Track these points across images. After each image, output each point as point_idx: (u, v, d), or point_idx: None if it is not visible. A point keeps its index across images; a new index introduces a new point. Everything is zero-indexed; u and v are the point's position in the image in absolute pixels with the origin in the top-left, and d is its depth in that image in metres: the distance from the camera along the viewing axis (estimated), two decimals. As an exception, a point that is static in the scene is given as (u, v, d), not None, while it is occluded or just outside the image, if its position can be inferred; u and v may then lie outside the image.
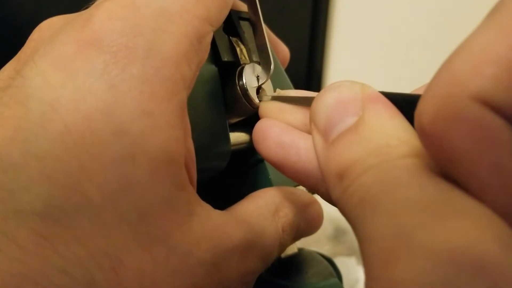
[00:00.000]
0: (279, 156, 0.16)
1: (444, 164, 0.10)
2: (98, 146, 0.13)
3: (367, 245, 0.10)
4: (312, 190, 0.17)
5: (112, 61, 0.13)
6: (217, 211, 0.16)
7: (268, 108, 0.18)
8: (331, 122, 0.14)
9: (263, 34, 0.21)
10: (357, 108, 0.14)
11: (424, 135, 0.10)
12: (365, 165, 0.12)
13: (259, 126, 0.18)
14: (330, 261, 0.25)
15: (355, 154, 0.13)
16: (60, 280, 0.12)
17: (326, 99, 0.15)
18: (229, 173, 0.24)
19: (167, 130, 0.14)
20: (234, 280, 0.15)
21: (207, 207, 0.16)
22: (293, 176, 0.17)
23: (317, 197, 0.23)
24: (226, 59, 0.22)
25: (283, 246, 0.19)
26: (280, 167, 0.17)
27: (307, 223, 0.20)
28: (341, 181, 0.13)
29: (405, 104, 0.14)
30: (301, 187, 0.25)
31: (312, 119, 0.15)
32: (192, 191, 0.15)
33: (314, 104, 0.15)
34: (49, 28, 0.17)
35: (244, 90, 0.22)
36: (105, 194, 0.13)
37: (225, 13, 0.17)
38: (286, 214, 0.19)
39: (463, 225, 0.09)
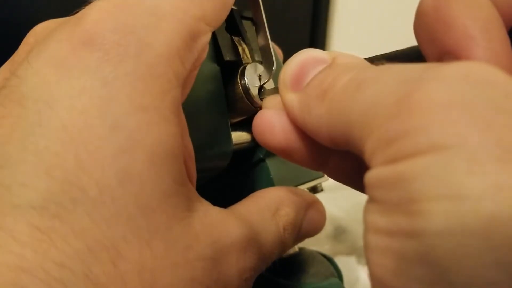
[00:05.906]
0: (290, 141, 0.17)
1: (443, 39, 0.13)
2: (95, 141, 0.13)
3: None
4: (320, 169, 0.18)
5: (105, 58, 0.13)
6: (217, 208, 0.16)
7: (270, 100, 0.19)
8: (303, 70, 0.16)
9: (266, 33, 0.21)
10: (326, 58, 0.16)
11: (428, 21, 0.14)
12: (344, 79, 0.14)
13: (263, 117, 0.18)
14: (330, 261, 0.25)
15: (331, 75, 0.15)
16: (58, 273, 0.12)
17: (297, 58, 0.17)
18: (231, 173, 0.24)
19: (163, 125, 0.14)
20: (233, 275, 0.15)
21: (206, 204, 0.16)
22: (303, 158, 0.17)
23: (319, 196, 0.23)
24: (228, 59, 0.22)
25: (285, 246, 0.19)
26: (290, 152, 0.17)
27: (309, 223, 0.20)
28: (323, 100, 0.14)
29: (402, 56, 0.16)
30: (302, 187, 0.25)
31: (282, 79, 0.17)
32: (191, 188, 0.15)
33: (285, 67, 0.17)
34: (43, 31, 0.17)
35: (246, 90, 0.21)
36: (103, 188, 0.13)
37: (224, 13, 0.17)
38: (287, 214, 0.19)
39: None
